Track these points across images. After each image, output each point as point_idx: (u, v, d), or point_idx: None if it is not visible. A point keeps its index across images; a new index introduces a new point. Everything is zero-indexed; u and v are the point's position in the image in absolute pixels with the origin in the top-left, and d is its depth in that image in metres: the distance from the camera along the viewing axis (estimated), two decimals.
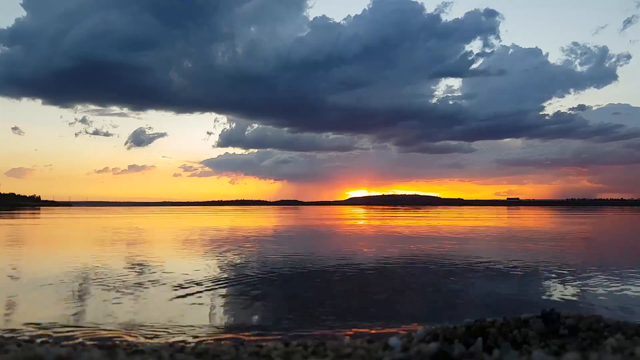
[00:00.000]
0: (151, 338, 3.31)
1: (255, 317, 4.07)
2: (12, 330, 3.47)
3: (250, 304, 4.63)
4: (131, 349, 2.15)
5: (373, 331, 3.44)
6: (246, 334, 3.47)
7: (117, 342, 2.88)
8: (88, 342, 2.72)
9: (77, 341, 2.90)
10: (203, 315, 4.14)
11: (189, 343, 2.36)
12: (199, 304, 4.57)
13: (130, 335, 3.38)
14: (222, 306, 4.49)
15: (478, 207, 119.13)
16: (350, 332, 3.42)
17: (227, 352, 1.94)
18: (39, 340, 2.82)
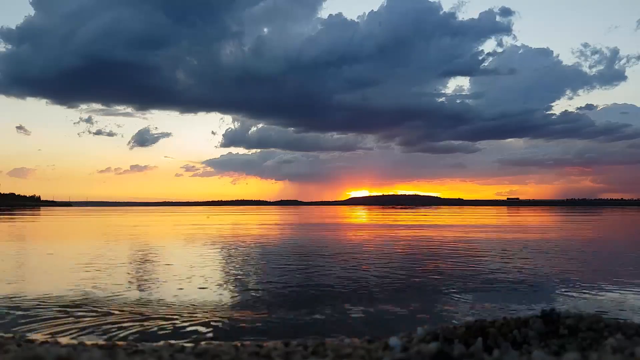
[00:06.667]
0: (151, 338, 3.31)
1: (256, 318, 4.07)
2: (13, 330, 3.47)
3: (251, 304, 4.62)
4: (131, 349, 2.15)
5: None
6: (246, 335, 3.47)
7: (117, 342, 2.87)
8: (88, 342, 2.72)
9: (77, 341, 2.90)
10: (203, 315, 4.14)
11: (189, 343, 2.36)
12: (200, 303, 4.57)
13: (130, 336, 3.38)
14: (222, 306, 4.49)
15: (477, 207, 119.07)
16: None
17: (227, 352, 1.94)
18: (39, 340, 2.82)
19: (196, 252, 9.29)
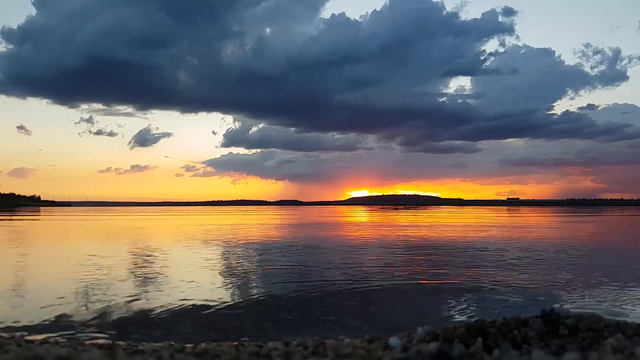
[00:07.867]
0: (151, 338, 3.31)
1: (256, 318, 4.07)
2: (13, 330, 3.47)
3: (251, 304, 4.62)
4: (131, 349, 2.15)
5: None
6: (246, 335, 3.47)
7: (117, 342, 2.87)
8: (88, 342, 2.72)
9: (77, 341, 2.90)
10: (203, 315, 4.14)
11: (189, 343, 2.36)
12: (200, 304, 4.57)
13: (130, 336, 3.38)
14: (222, 306, 4.49)
15: (477, 207, 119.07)
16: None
17: (227, 352, 1.94)
18: (39, 340, 2.82)
19: (195, 253, 9.29)
